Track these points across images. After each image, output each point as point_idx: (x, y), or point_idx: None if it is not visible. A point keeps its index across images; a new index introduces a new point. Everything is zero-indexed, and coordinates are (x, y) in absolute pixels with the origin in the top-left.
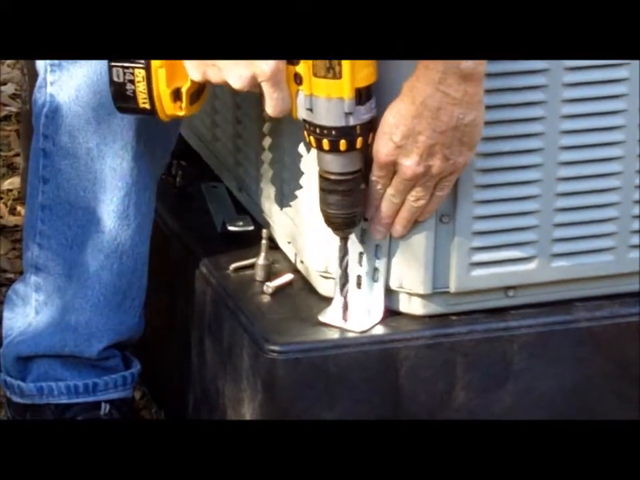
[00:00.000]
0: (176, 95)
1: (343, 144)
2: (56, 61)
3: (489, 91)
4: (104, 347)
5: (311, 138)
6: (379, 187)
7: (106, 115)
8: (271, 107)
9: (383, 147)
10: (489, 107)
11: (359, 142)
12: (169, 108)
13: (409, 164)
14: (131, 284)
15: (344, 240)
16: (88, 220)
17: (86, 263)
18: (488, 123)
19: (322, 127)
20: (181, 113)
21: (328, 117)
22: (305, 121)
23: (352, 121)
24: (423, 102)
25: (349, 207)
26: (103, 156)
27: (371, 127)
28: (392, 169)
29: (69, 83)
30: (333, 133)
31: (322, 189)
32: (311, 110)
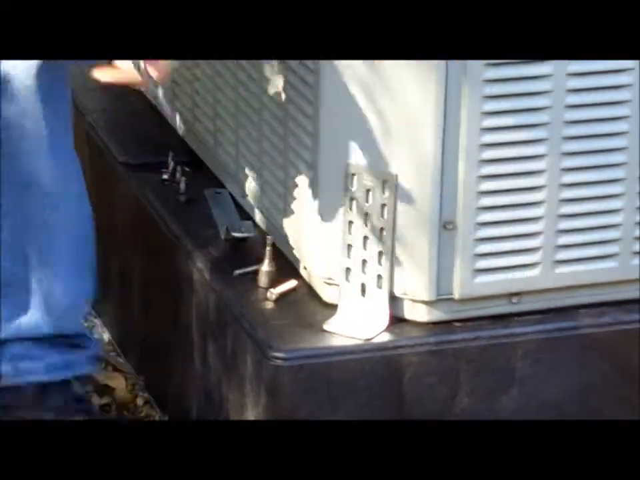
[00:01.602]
0: None
1: None
2: None
3: (492, 97)
4: (76, 320)
5: None
6: None
7: None
8: None
9: None
10: (492, 113)
11: None
12: None
13: None
14: (81, 249)
15: None
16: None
17: (39, 244)
18: (491, 129)
19: None
20: None
21: None
22: None
23: None
24: None
25: None
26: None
27: None
28: None
29: None
30: None
31: None
32: None
